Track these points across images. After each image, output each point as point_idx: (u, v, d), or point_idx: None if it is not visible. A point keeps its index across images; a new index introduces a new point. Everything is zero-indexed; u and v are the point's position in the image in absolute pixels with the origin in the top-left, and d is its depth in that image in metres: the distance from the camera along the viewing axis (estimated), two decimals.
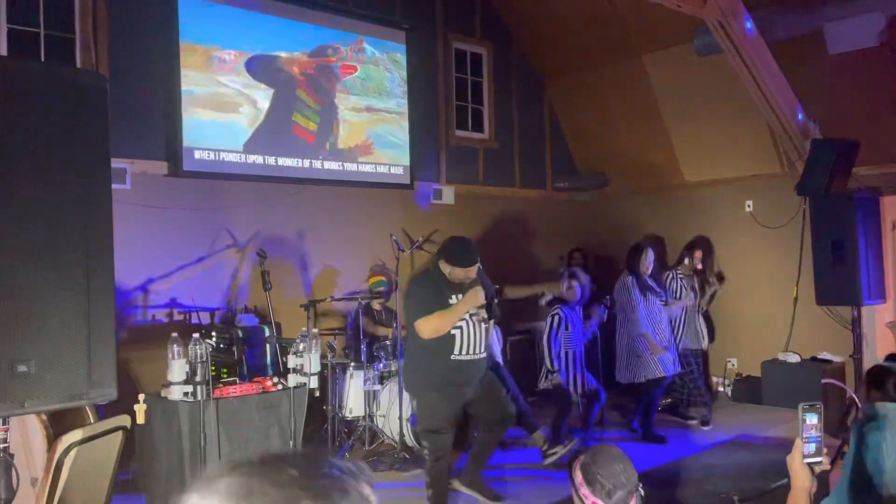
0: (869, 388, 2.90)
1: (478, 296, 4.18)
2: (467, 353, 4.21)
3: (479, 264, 4.27)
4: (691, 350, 6.59)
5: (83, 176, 2.24)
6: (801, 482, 1.69)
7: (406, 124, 7.33)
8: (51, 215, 2.18)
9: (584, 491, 2.01)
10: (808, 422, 1.69)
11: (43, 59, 5.37)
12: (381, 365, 5.70)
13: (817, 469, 1.70)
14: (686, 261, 6.80)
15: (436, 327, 4.12)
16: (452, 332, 4.15)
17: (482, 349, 4.32)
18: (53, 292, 2.16)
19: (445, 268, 4.23)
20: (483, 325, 4.28)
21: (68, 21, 5.49)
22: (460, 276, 4.19)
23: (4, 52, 5.15)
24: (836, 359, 7.03)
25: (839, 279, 6.42)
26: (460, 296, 4.21)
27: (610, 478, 1.98)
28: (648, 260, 6.11)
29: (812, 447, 1.68)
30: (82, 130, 2.24)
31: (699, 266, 6.87)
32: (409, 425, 5.37)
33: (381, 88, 7.18)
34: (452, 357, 4.18)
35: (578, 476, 2.04)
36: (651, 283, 6.18)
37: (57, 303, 2.17)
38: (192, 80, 5.91)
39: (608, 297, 6.29)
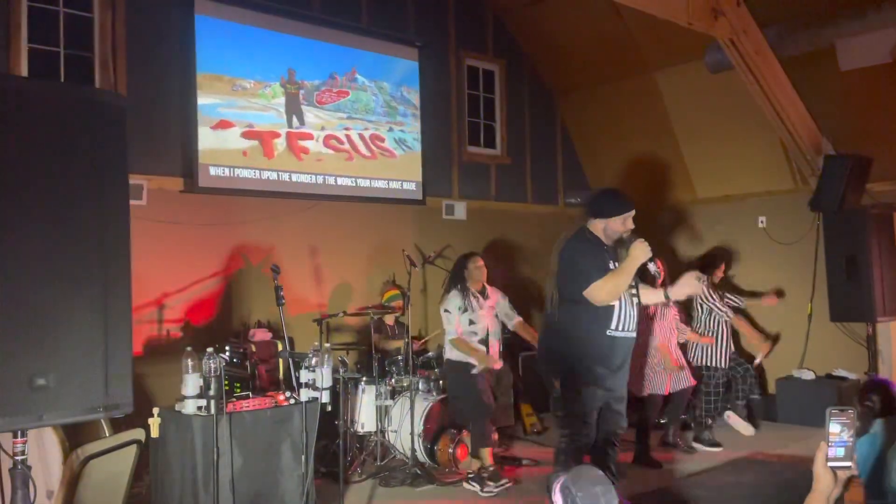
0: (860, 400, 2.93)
1: (645, 246, 3.75)
2: (623, 329, 3.84)
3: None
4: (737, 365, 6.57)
5: (102, 193, 2.29)
6: (822, 485, 1.68)
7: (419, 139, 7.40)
8: (70, 232, 2.22)
9: None
10: (836, 425, 1.69)
11: (63, 78, 5.48)
12: (393, 380, 5.71)
13: (844, 474, 1.69)
14: (705, 275, 6.68)
15: (612, 289, 3.73)
16: (612, 302, 3.80)
17: (634, 327, 3.93)
18: (72, 307, 2.20)
19: (598, 226, 3.89)
20: (635, 301, 3.91)
21: (87, 41, 5.61)
22: (618, 229, 3.85)
23: (25, 71, 5.26)
24: (852, 376, 6.98)
25: (853, 295, 6.37)
26: (617, 263, 3.83)
27: (589, 501, 1.97)
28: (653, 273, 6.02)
29: (840, 451, 1.68)
30: (101, 149, 2.29)
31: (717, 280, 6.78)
32: (420, 440, 5.37)
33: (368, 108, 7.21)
34: (608, 332, 3.80)
35: (558, 499, 2.04)
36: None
37: (75, 317, 2.21)
38: (208, 98, 6.00)
39: None
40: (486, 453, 5.09)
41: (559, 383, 3.93)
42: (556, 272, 3.94)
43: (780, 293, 7.30)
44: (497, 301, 5.49)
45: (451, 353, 5.33)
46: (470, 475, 5.08)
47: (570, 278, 3.84)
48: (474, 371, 5.21)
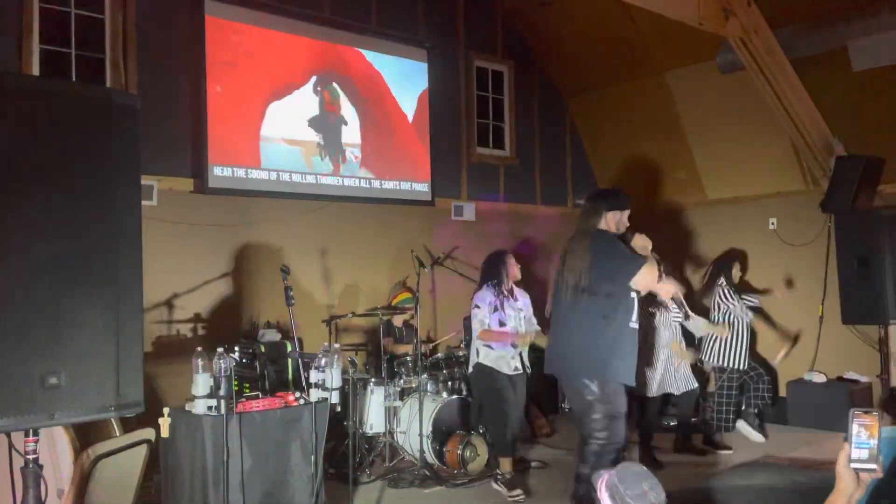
0: (886, 409, 2.86)
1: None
2: (636, 321, 3.97)
3: None
4: (751, 367, 6.48)
5: (114, 193, 2.29)
6: (843, 485, 1.67)
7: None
8: (82, 231, 2.23)
9: None
10: (858, 427, 1.68)
11: (74, 79, 5.50)
12: (402, 381, 5.70)
13: (868, 476, 1.68)
14: (722, 276, 6.61)
15: (651, 277, 3.87)
16: (632, 293, 3.91)
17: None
18: (83, 306, 2.21)
19: (613, 219, 3.99)
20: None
21: (99, 42, 5.63)
22: (626, 222, 4.04)
23: (37, 72, 5.28)
24: (863, 379, 6.92)
25: (865, 297, 6.32)
26: None
27: (637, 498, 1.96)
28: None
29: (864, 453, 1.67)
30: (114, 149, 2.30)
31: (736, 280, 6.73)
32: (429, 442, 5.36)
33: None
34: (631, 324, 3.91)
35: (605, 497, 2.02)
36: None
37: (87, 316, 2.21)
38: (218, 99, 6.01)
39: None
40: (506, 462, 5.03)
41: (596, 385, 3.85)
42: (588, 268, 3.85)
43: (789, 282, 7.23)
44: (526, 304, 5.31)
45: (481, 357, 5.15)
46: (497, 475, 5.01)
47: (611, 272, 3.85)
48: (505, 371, 5.10)
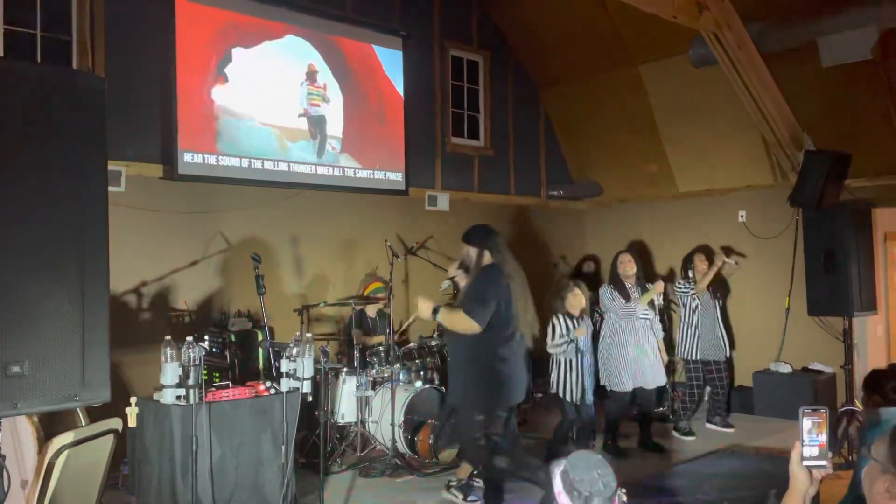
0: (867, 393, 2.91)
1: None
2: None
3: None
4: (713, 361, 6.55)
5: (80, 178, 2.25)
6: (797, 484, 1.70)
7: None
8: (47, 217, 2.18)
9: (563, 499, 2.00)
10: (808, 424, 1.70)
11: (39, 61, 5.36)
12: (375, 371, 5.69)
13: (820, 473, 1.70)
14: (690, 272, 6.75)
15: None
16: None
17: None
18: (48, 293, 2.16)
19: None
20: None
21: (65, 23, 5.50)
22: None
23: (1, 53, 5.15)
24: (828, 369, 7.07)
25: (831, 290, 6.45)
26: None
27: (588, 485, 1.97)
28: (622, 264, 5.91)
29: (815, 450, 1.69)
30: (80, 132, 2.25)
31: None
32: (400, 431, 5.36)
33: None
34: None
35: (557, 484, 2.04)
36: (632, 289, 5.93)
37: (52, 304, 2.17)
38: (188, 84, 5.91)
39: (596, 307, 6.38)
40: (466, 469, 4.79)
41: None
42: None
43: (727, 251, 7.23)
44: None
45: None
46: (451, 483, 4.79)
47: None
48: None
